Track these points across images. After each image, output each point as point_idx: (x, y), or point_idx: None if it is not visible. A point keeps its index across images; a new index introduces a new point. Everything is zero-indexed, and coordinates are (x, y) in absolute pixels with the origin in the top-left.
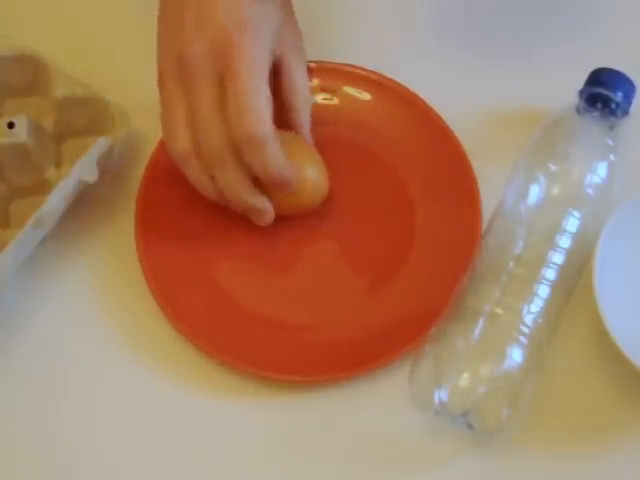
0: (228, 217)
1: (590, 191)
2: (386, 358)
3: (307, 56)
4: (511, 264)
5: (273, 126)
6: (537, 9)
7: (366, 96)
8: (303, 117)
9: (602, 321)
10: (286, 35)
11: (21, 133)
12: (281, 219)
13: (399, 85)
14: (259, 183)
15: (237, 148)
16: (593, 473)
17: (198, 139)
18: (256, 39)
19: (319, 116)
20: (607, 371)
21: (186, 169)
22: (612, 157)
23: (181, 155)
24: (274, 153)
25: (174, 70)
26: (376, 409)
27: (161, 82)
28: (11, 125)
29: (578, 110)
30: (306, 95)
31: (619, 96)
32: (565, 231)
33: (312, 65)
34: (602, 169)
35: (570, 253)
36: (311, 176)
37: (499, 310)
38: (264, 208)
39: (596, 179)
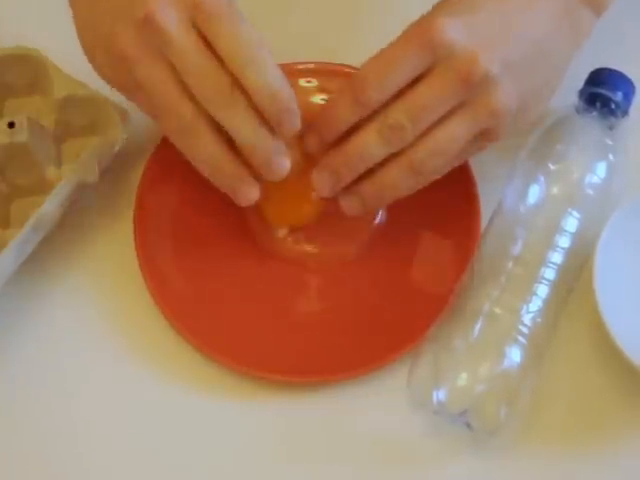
0: (228, 217)
1: (589, 191)
2: (386, 358)
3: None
4: (510, 264)
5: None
6: None
7: None
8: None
9: (602, 320)
10: None
11: (21, 133)
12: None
13: None
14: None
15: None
16: (592, 473)
17: (197, 93)
18: None
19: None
20: (607, 370)
21: (194, 140)
22: (611, 157)
23: (186, 125)
24: (272, 69)
25: (137, 40)
26: (376, 409)
27: (129, 60)
28: (11, 125)
29: (578, 110)
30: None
31: (619, 96)
32: (564, 231)
33: (312, 66)
34: (601, 169)
35: (569, 253)
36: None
37: (498, 310)
38: (278, 156)
39: (595, 179)
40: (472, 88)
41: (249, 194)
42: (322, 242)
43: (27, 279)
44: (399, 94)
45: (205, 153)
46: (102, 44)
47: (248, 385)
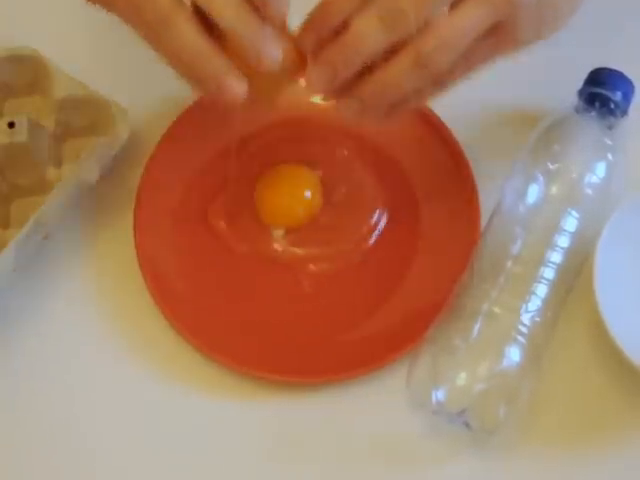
0: (228, 217)
1: (589, 191)
2: (386, 358)
3: None
4: (509, 263)
5: None
6: None
7: None
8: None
9: (602, 320)
10: None
11: (21, 133)
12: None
13: None
14: None
15: None
16: (591, 473)
17: None
18: None
19: (318, 117)
20: (606, 370)
21: (172, 31)
22: (611, 157)
23: (164, 15)
24: None
25: None
26: (376, 409)
27: None
28: (11, 125)
29: (577, 110)
30: None
31: (618, 96)
32: (564, 230)
33: None
34: (601, 169)
35: (569, 252)
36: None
37: (497, 309)
38: (268, 43)
39: (595, 179)
40: None
41: (235, 87)
42: (319, 243)
43: (27, 279)
44: None
45: (184, 44)
46: None
47: (248, 385)
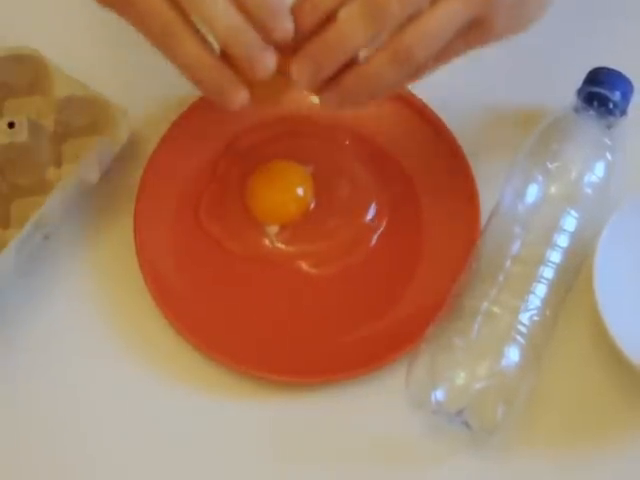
0: (227, 216)
1: (588, 190)
2: (386, 358)
3: None
4: (508, 263)
5: None
6: None
7: None
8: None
9: (601, 320)
10: None
11: (21, 133)
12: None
13: None
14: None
15: None
16: (590, 472)
17: None
18: None
19: (317, 118)
20: (606, 370)
21: (176, 42)
22: (610, 156)
23: (167, 26)
24: None
25: None
26: (375, 409)
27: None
28: (11, 125)
29: (576, 109)
30: None
31: (617, 95)
32: (563, 230)
33: None
34: (600, 168)
35: (568, 252)
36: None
37: (496, 309)
38: (262, 50)
39: (594, 178)
40: None
41: (238, 96)
42: (315, 240)
43: (27, 279)
44: None
45: (188, 56)
46: None
47: (248, 385)
